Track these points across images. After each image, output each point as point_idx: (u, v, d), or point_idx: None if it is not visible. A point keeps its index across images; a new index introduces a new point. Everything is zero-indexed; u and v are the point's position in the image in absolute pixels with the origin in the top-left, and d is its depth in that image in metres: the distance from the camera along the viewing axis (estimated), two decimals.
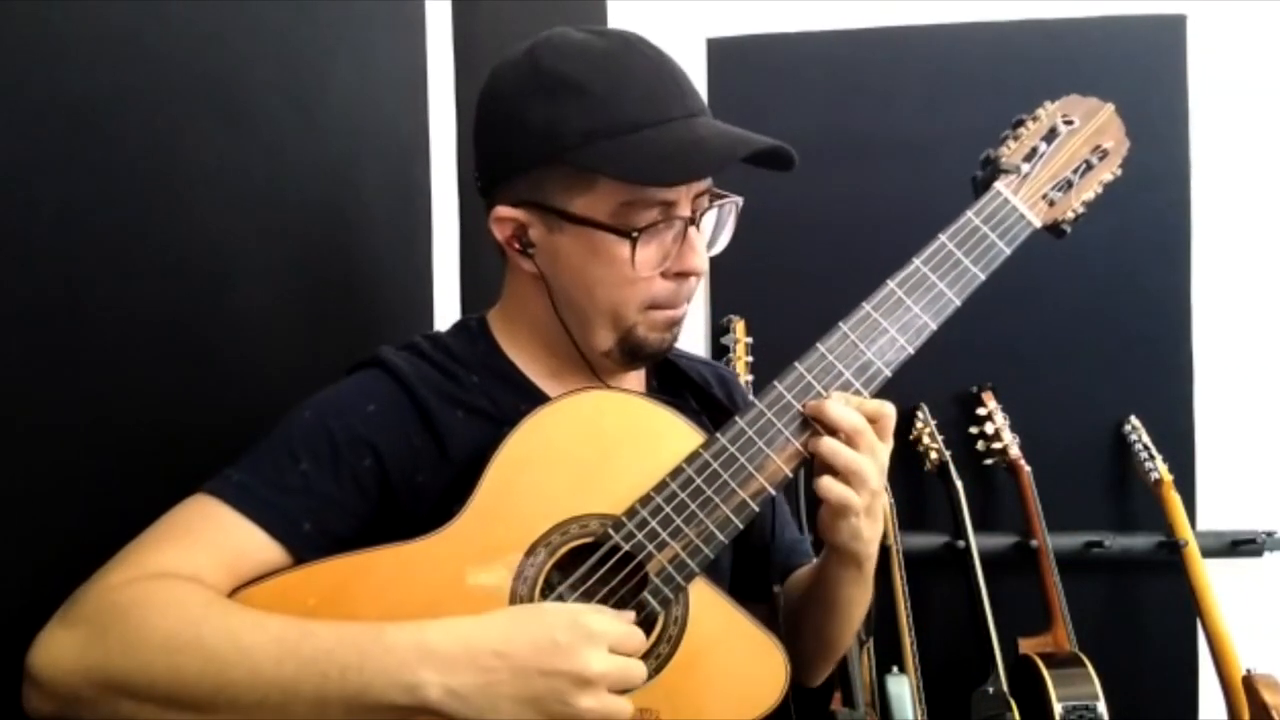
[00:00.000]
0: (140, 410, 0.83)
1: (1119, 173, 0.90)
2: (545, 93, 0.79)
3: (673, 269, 0.83)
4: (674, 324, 0.87)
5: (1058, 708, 1.73)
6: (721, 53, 2.19)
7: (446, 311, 1.51)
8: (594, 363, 0.88)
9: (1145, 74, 2.09)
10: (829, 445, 0.78)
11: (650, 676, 0.75)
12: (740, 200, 0.87)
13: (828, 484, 0.78)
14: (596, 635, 0.68)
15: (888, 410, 0.80)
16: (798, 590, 0.96)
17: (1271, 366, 2.11)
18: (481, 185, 0.87)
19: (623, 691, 0.70)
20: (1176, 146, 2.09)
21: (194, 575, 0.70)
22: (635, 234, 0.79)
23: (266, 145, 1.03)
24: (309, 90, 1.13)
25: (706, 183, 0.84)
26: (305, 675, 0.64)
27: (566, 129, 0.78)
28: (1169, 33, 2.11)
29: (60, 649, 0.66)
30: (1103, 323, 2.11)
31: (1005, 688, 1.81)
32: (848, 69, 2.18)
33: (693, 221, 0.82)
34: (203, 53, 0.91)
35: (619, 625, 0.71)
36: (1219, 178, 2.10)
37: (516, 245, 0.84)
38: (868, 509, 0.79)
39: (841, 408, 0.78)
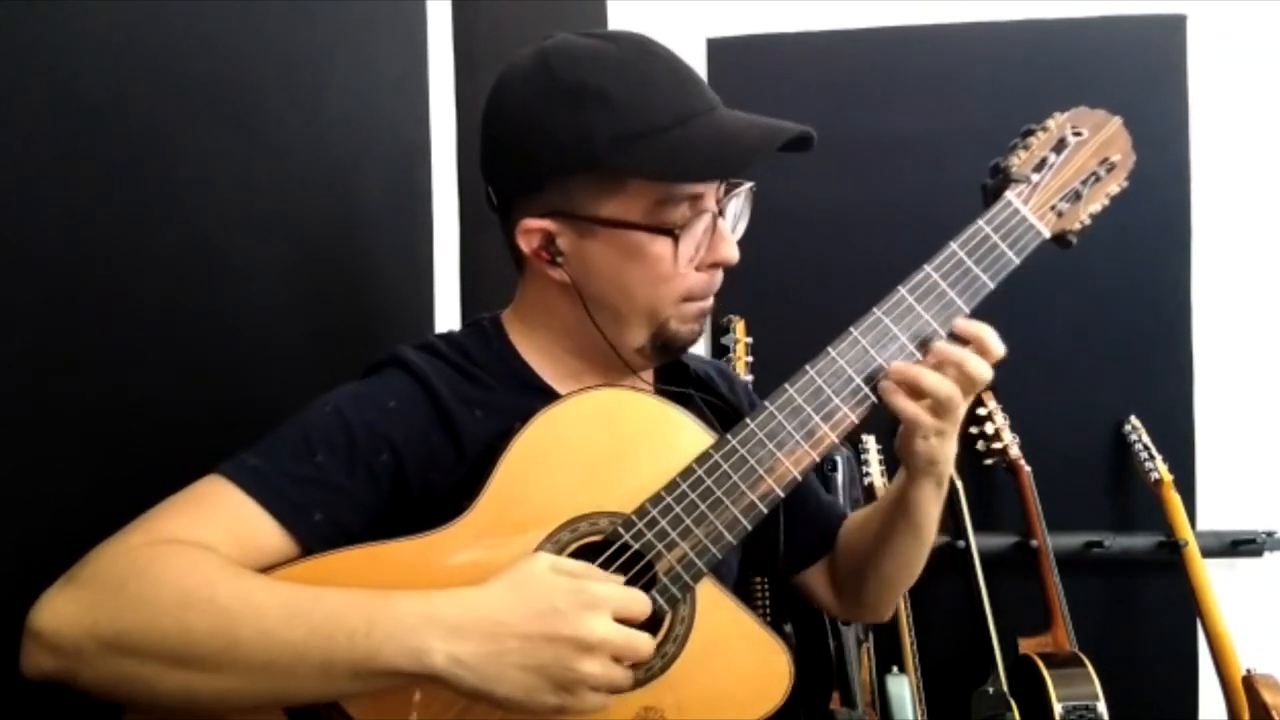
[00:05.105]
0: (140, 409, 0.83)
1: (1125, 185, 0.90)
2: (570, 103, 0.79)
3: (706, 260, 0.84)
4: (704, 315, 0.88)
5: (1058, 708, 1.73)
6: (721, 53, 2.19)
7: (447, 312, 1.51)
8: (629, 362, 0.88)
9: (1145, 74, 2.09)
10: (915, 369, 0.80)
11: (656, 675, 0.76)
12: (753, 185, 0.88)
13: (902, 403, 0.81)
14: (599, 601, 0.69)
15: (987, 335, 0.82)
16: (861, 528, 1.02)
17: (1271, 366, 2.11)
18: (500, 201, 0.86)
19: (632, 683, 0.71)
20: (1176, 146, 2.09)
21: (208, 547, 0.70)
22: (677, 231, 0.80)
23: (267, 146, 1.03)
24: (310, 92, 1.13)
25: None
26: (314, 638, 0.64)
27: (597, 137, 0.78)
28: (1169, 33, 2.11)
29: (68, 605, 0.65)
30: (1103, 323, 2.11)
31: (1005, 688, 1.81)
32: (848, 69, 2.18)
33: (720, 212, 0.84)
34: (203, 54, 0.91)
35: (621, 591, 0.71)
36: (1219, 178, 2.10)
37: (545, 256, 0.84)
38: (942, 432, 0.83)
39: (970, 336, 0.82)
